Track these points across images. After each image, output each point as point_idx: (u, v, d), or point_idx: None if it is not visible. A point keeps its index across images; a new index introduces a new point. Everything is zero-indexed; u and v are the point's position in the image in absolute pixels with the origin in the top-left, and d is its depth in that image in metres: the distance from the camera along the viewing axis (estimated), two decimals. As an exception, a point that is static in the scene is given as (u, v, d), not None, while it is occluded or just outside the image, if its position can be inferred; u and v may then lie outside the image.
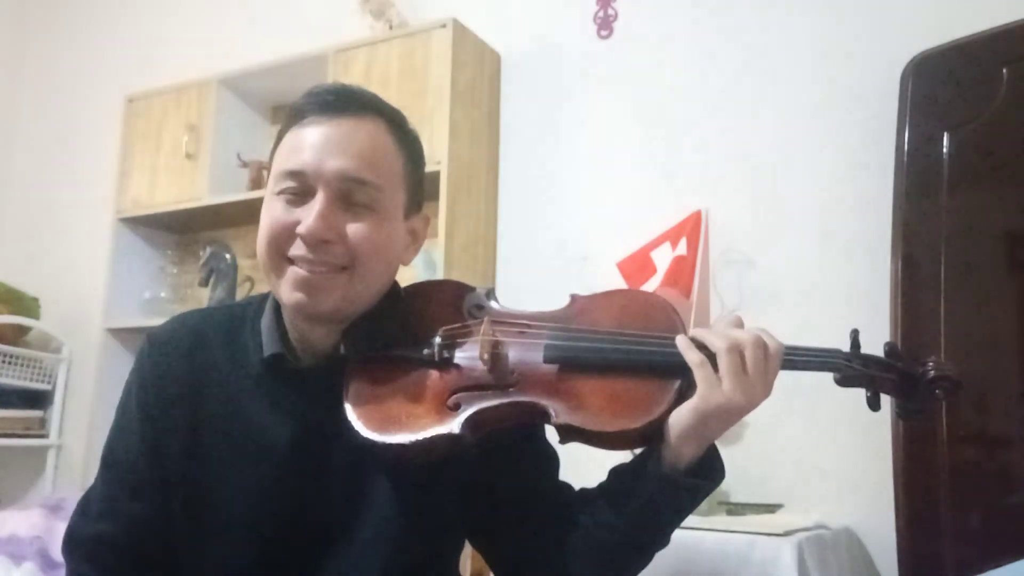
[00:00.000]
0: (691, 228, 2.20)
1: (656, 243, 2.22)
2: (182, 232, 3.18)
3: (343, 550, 0.94)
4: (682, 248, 2.17)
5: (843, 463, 2.00)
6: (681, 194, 2.29)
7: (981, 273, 1.85)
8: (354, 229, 0.92)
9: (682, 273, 2.14)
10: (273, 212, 0.94)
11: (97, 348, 2.93)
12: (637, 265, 2.22)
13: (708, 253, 2.19)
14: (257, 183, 2.87)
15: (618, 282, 2.22)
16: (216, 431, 0.96)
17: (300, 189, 0.93)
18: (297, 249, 0.92)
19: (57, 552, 1.91)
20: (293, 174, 0.93)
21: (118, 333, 2.95)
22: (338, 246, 0.92)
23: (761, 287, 2.13)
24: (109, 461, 1.00)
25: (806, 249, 2.15)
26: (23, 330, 3.19)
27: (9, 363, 3.06)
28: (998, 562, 0.94)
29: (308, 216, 0.91)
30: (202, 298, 2.93)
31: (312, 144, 0.93)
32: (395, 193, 0.97)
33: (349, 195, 0.93)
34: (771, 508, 1.91)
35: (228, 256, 2.88)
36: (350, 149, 0.93)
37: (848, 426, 1.93)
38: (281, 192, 0.94)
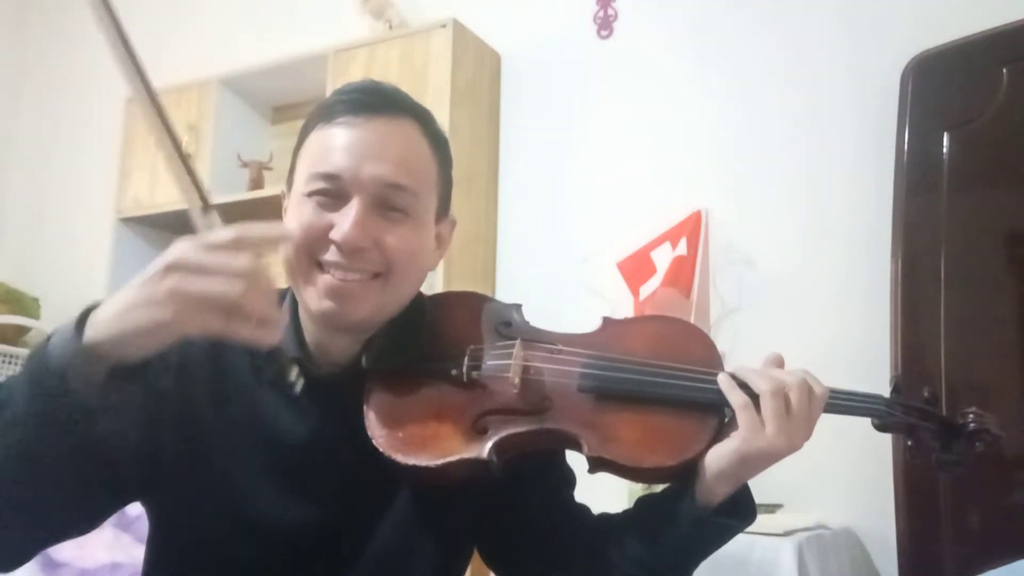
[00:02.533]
0: (691, 228, 2.20)
1: (656, 243, 2.22)
2: (182, 232, 3.11)
3: (355, 558, 0.93)
4: (682, 248, 2.17)
5: (843, 463, 2.00)
6: (681, 194, 2.29)
7: (981, 273, 1.85)
8: (390, 236, 0.89)
9: (682, 273, 2.14)
10: (304, 215, 0.89)
11: (97, 348, 2.92)
12: (637, 265, 2.22)
13: (708, 253, 2.19)
14: (257, 183, 2.87)
15: (618, 282, 2.23)
16: (231, 426, 0.93)
17: (334, 192, 0.89)
18: (331, 256, 0.88)
19: (57, 552, 1.91)
20: (328, 177, 0.88)
21: (118, 333, 2.94)
22: (373, 253, 0.88)
23: (761, 287, 2.13)
24: None
25: (806, 249, 2.15)
26: (23, 330, 3.19)
27: (9, 363, 3.05)
28: (998, 562, 0.94)
29: (344, 222, 0.87)
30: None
31: (346, 146, 0.89)
32: (429, 198, 0.94)
33: (385, 200, 0.89)
34: (771, 508, 1.91)
35: (228, 256, 2.88)
36: (387, 153, 0.89)
37: (848, 426, 1.92)
38: (313, 194, 0.89)
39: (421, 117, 0.95)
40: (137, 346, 0.72)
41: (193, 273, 0.70)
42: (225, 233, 0.73)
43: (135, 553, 1.85)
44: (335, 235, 0.87)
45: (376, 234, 0.88)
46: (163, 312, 0.69)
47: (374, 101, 0.91)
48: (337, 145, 0.89)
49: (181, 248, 0.72)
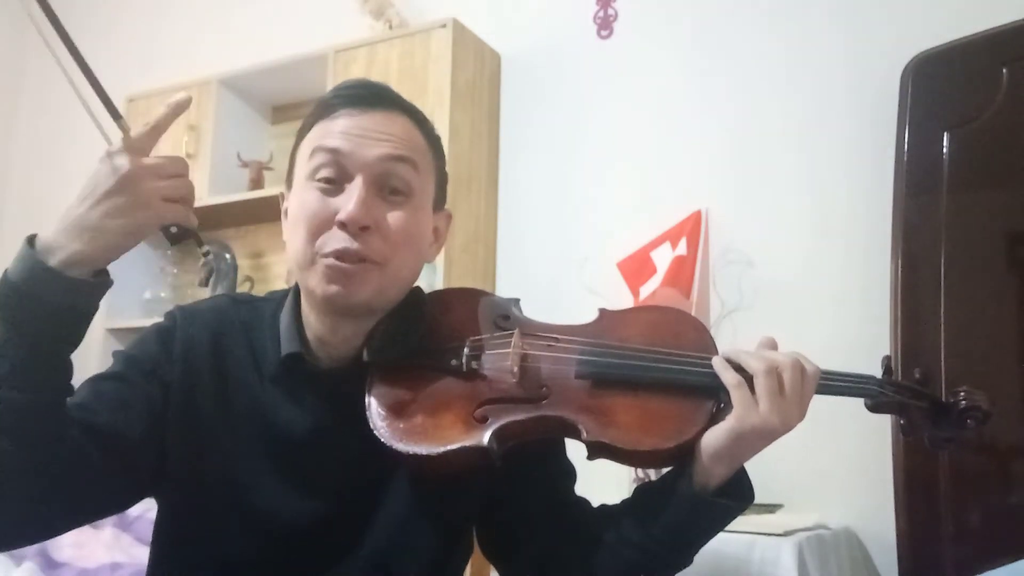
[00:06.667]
0: (691, 228, 2.20)
1: (656, 243, 2.22)
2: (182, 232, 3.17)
3: (357, 549, 0.94)
4: (682, 248, 2.17)
5: (843, 463, 2.00)
6: (681, 194, 2.29)
7: (981, 273, 1.85)
8: (392, 217, 0.92)
9: (682, 273, 2.14)
10: (309, 203, 0.92)
11: (97, 348, 2.92)
12: (637, 265, 2.22)
13: (708, 253, 2.19)
14: (257, 183, 2.87)
15: (618, 282, 2.22)
16: (233, 421, 0.94)
17: (336, 175, 0.92)
18: (335, 241, 0.90)
19: (57, 552, 1.91)
20: (329, 151, 0.91)
21: (118, 333, 2.94)
22: (376, 234, 0.91)
23: (761, 287, 2.13)
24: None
25: (806, 249, 2.15)
26: (23, 330, 3.19)
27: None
28: (998, 562, 0.94)
29: (348, 203, 0.89)
30: (202, 298, 2.93)
31: (346, 131, 0.92)
32: (427, 181, 0.97)
33: (386, 180, 0.92)
34: (771, 508, 1.91)
35: (228, 256, 2.88)
36: (385, 136, 0.93)
37: (848, 426, 1.93)
38: (316, 178, 0.92)
39: (414, 114, 0.99)
40: (120, 248, 0.82)
41: (155, 177, 0.82)
42: (144, 131, 0.85)
43: (135, 553, 1.85)
44: (341, 216, 0.89)
45: (378, 215, 0.91)
46: (142, 214, 0.81)
47: (370, 95, 0.95)
48: (335, 130, 0.93)
49: (125, 162, 0.82)
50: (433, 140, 1.00)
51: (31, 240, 0.80)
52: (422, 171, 0.95)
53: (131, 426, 0.89)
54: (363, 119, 0.93)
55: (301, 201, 0.93)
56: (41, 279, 0.77)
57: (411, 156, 0.93)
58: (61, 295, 0.77)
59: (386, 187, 0.92)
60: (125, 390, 0.91)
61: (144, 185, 0.80)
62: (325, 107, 0.95)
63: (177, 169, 0.84)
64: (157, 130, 0.84)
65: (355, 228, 0.89)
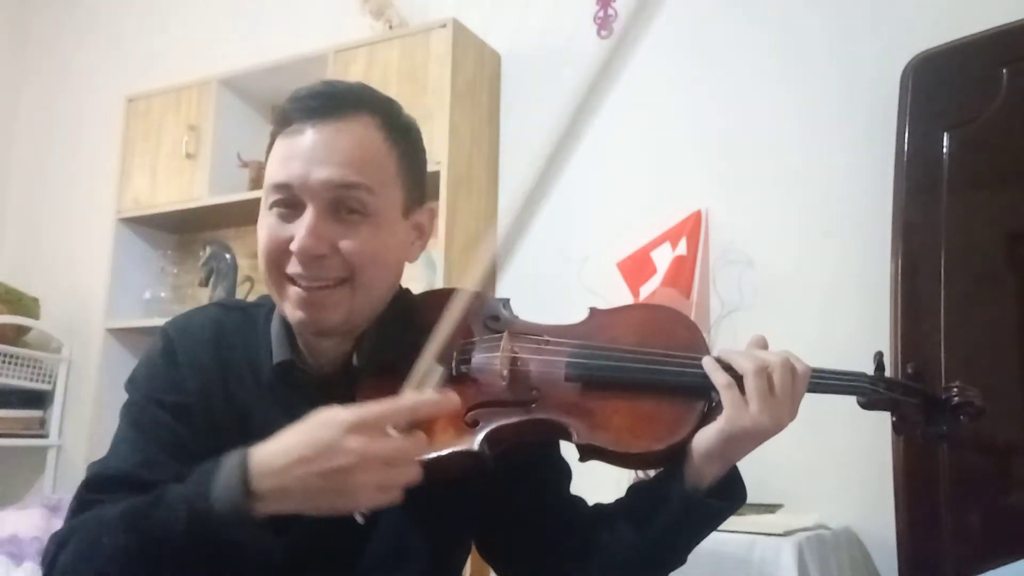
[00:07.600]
0: (691, 228, 2.20)
1: (656, 243, 2.22)
2: (182, 232, 3.18)
3: (352, 558, 0.93)
4: (682, 248, 2.17)
5: (843, 463, 2.00)
6: (681, 194, 2.29)
7: (981, 273, 1.85)
8: (348, 241, 0.89)
9: (682, 273, 2.14)
10: (267, 228, 0.92)
11: (97, 348, 2.92)
12: (637, 265, 2.22)
13: (708, 253, 2.19)
14: (257, 183, 2.87)
15: (618, 282, 2.22)
16: (234, 432, 0.94)
17: (290, 202, 0.90)
18: (293, 267, 0.90)
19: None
20: (280, 187, 0.90)
21: (118, 333, 2.95)
22: (333, 259, 0.89)
23: (761, 287, 2.13)
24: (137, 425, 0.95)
25: (806, 249, 2.15)
26: (23, 330, 3.19)
27: (9, 363, 3.06)
28: (998, 562, 0.94)
29: (299, 232, 0.88)
30: (202, 298, 2.93)
31: (297, 154, 0.90)
32: (390, 193, 0.93)
33: (340, 204, 0.89)
34: (771, 508, 1.91)
35: (228, 256, 2.88)
36: (335, 156, 0.89)
37: (848, 426, 1.93)
38: (272, 206, 0.91)
39: (379, 110, 0.95)
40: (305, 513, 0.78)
41: (379, 467, 0.76)
42: (399, 413, 0.77)
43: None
44: (293, 246, 0.89)
45: (333, 239, 0.89)
46: (347, 500, 0.77)
47: (324, 105, 0.92)
48: (288, 155, 0.91)
49: (362, 444, 0.75)
50: (401, 135, 0.96)
51: (248, 473, 0.77)
52: (380, 188, 0.92)
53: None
54: (314, 135, 0.90)
55: (262, 225, 0.93)
56: (235, 525, 0.77)
57: (363, 181, 0.89)
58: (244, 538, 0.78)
59: (342, 208, 0.90)
60: (168, 436, 0.92)
61: (359, 475, 0.75)
62: (282, 118, 0.93)
63: (401, 458, 0.77)
64: (410, 417, 0.78)
65: (307, 258, 0.88)
